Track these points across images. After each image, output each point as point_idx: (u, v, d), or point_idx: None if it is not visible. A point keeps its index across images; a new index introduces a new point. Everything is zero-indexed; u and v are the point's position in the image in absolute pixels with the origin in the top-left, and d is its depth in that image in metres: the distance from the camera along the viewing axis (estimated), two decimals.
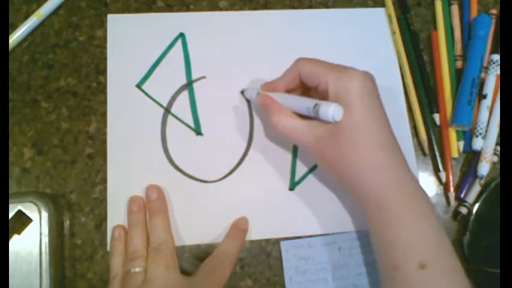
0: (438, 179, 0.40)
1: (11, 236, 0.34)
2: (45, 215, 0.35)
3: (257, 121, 0.40)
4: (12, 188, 0.37)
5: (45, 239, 0.34)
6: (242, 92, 0.40)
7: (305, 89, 0.36)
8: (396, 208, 0.30)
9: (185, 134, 0.39)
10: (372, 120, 0.31)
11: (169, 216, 0.37)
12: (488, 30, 0.42)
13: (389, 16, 0.44)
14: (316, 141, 0.32)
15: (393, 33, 0.43)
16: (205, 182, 0.38)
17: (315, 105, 0.31)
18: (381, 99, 0.33)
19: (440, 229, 0.31)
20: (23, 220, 0.34)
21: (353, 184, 0.32)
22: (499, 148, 0.40)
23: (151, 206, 0.36)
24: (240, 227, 0.37)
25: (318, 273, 0.37)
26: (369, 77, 0.32)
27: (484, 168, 0.39)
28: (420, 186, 0.32)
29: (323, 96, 0.33)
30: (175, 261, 0.34)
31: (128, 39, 0.41)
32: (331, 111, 0.30)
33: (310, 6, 0.44)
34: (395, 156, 0.32)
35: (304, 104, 0.33)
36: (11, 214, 0.34)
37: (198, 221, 0.37)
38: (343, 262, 0.37)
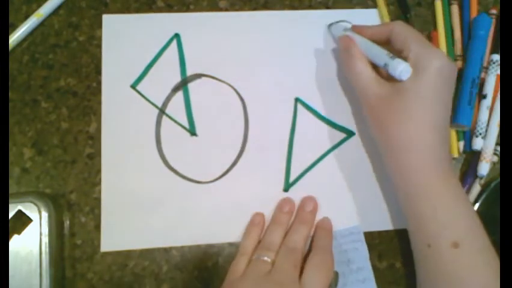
0: None
1: (11, 236, 0.34)
2: (45, 215, 0.35)
3: (252, 122, 0.40)
4: (12, 188, 0.37)
5: (45, 239, 0.34)
6: (330, 26, 0.41)
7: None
8: (434, 186, 0.32)
9: (180, 134, 0.39)
10: (436, 100, 0.32)
11: (312, 231, 0.37)
12: (488, 30, 0.42)
13: (381, 18, 0.43)
14: (376, 100, 0.34)
15: None
16: (200, 182, 0.38)
17: (391, 56, 0.33)
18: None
19: (472, 211, 0.32)
20: (23, 220, 0.34)
21: (395, 153, 0.33)
22: (499, 148, 0.40)
23: (302, 214, 0.37)
24: (323, 225, 0.38)
25: None
26: (451, 66, 0.33)
27: (484, 168, 0.39)
28: (454, 171, 0.34)
29: None
30: (300, 265, 0.34)
31: (124, 39, 0.41)
32: (401, 67, 0.32)
33: (310, 7, 0.44)
34: (442, 139, 0.32)
35: (381, 54, 0.34)
36: (11, 214, 0.34)
37: (191, 222, 0.37)
38: None
